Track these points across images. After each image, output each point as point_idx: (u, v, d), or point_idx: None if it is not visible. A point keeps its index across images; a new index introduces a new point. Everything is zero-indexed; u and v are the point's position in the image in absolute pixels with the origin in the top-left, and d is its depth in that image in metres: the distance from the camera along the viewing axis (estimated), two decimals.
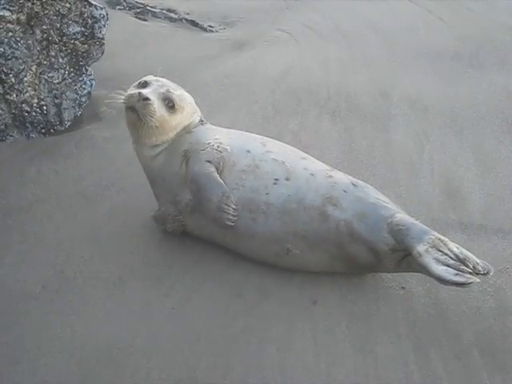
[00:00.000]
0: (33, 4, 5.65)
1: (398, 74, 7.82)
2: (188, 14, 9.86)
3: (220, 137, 4.54)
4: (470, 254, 3.75)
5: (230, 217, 4.16)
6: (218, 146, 4.41)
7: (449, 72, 8.04)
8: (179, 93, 4.64)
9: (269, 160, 4.37)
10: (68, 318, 3.86)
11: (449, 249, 3.77)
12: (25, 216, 4.81)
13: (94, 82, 6.34)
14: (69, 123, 6.16)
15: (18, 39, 5.62)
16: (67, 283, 4.15)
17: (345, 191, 4.19)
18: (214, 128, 4.75)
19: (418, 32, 9.51)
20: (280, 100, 6.97)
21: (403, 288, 4.25)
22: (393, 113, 6.82)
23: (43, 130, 5.99)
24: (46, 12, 5.77)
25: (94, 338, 3.72)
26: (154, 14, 9.70)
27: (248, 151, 4.43)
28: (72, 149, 5.76)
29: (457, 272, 3.63)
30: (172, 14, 9.75)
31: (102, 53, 6.32)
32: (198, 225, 4.44)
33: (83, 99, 6.26)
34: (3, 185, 5.15)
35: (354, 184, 4.28)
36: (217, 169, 4.30)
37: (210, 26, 9.57)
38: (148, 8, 9.81)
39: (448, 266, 3.69)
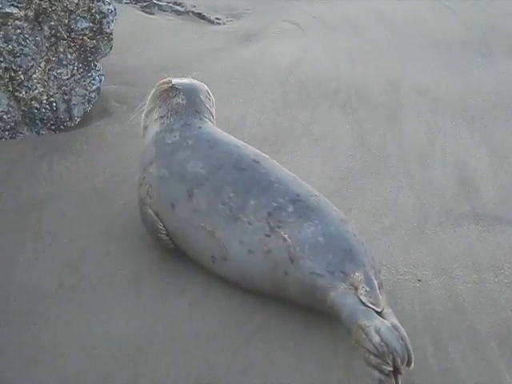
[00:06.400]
0: (40, 0, 5.63)
1: (407, 64, 7.77)
2: (194, 6, 9.79)
3: (153, 170, 4.34)
4: (390, 340, 3.24)
5: (167, 242, 4.28)
6: (148, 189, 4.33)
7: (458, 61, 7.97)
8: None
9: (197, 226, 4.05)
10: (85, 316, 3.85)
11: (369, 340, 3.29)
12: (37, 214, 4.79)
13: (102, 78, 6.30)
14: (79, 119, 6.14)
15: (27, 36, 5.61)
16: (83, 281, 4.14)
17: (286, 273, 3.76)
18: (160, 143, 4.48)
19: (425, 21, 9.43)
20: (290, 92, 6.93)
21: (419, 281, 4.24)
22: (403, 103, 6.77)
23: (53, 127, 5.98)
24: (54, 8, 5.74)
25: (111, 337, 3.71)
26: (161, 8, 9.64)
27: (172, 206, 4.18)
28: (83, 145, 5.74)
29: (380, 378, 3.21)
30: (178, 7, 9.69)
31: (111, 48, 6.28)
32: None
33: (92, 95, 6.22)
34: (15, 183, 5.13)
35: (291, 258, 3.73)
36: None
37: (217, 19, 9.52)
38: (154, 1, 9.74)
39: (373, 366, 3.25)
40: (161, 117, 4.60)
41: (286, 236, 3.80)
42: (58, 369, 3.49)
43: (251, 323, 3.85)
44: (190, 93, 4.69)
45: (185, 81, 4.82)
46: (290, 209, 3.89)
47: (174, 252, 4.36)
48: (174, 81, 4.75)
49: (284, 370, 3.54)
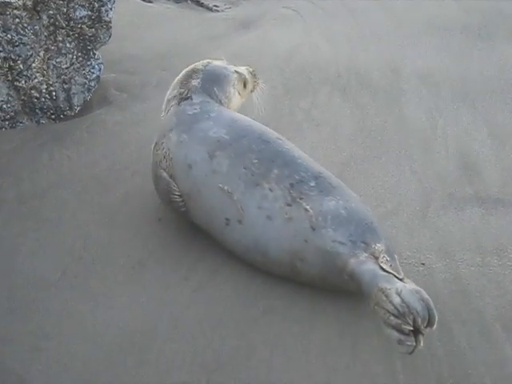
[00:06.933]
0: None
1: (408, 49, 7.77)
2: None
3: (173, 135, 4.35)
4: (411, 301, 3.22)
5: (179, 204, 4.25)
6: (166, 152, 4.34)
7: (458, 45, 7.98)
8: None
9: (214, 187, 4.05)
10: (89, 304, 3.84)
11: (390, 301, 3.29)
12: (39, 203, 4.77)
13: (102, 66, 6.28)
14: (78, 108, 6.12)
15: (25, 25, 5.57)
16: (86, 269, 4.12)
17: (305, 241, 3.78)
18: (180, 114, 4.52)
19: (425, 6, 9.42)
20: (290, 78, 6.92)
21: (423, 264, 4.23)
22: (404, 88, 6.77)
23: (53, 116, 5.96)
24: None
25: (115, 324, 3.70)
26: None
27: (189, 166, 4.20)
28: (83, 134, 5.71)
29: (399, 338, 3.21)
30: None
31: (110, 36, 6.24)
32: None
33: (92, 83, 6.20)
34: (16, 172, 5.11)
35: (312, 227, 3.77)
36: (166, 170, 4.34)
37: (216, 6, 9.50)
38: None
39: (392, 327, 3.24)
40: (180, 93, 4.65)
41: (307, 207, 3.83)
42: (62, 357, 3.49)
43: (256, 308, 3.84)
44: (207, 81, 4.73)
45: (216, 68, 4.88)
46: (312, 183, 3.93)
47: (177, 238, 4.38)
48: (209, 65, 4.88)
49: (289, 355, 3.53)
